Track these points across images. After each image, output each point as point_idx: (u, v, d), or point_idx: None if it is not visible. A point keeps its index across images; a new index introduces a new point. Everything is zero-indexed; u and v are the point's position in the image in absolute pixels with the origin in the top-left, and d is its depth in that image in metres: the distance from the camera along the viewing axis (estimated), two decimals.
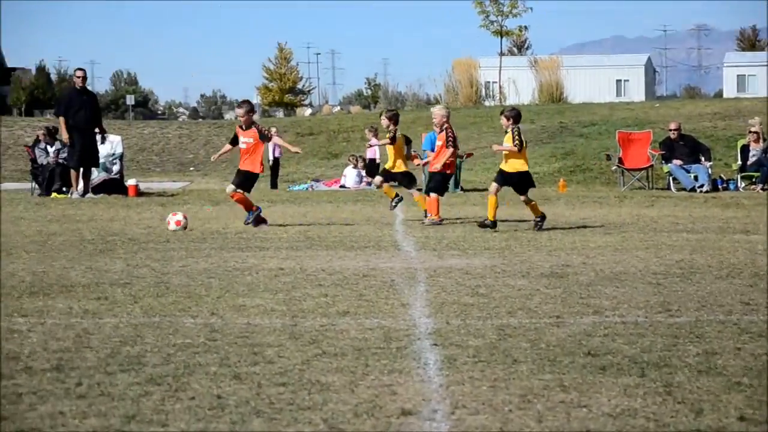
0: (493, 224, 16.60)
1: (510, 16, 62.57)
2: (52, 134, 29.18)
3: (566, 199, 24.79)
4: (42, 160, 28.81)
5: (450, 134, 18.47)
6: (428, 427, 5.42)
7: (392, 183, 18.99)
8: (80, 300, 9.45)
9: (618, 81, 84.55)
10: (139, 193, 27.87)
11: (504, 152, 16.89)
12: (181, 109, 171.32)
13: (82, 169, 26.40)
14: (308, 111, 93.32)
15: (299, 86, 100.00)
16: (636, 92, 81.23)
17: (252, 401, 5.87)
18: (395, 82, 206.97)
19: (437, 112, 18.92)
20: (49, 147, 28.86)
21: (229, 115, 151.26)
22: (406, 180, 18.84)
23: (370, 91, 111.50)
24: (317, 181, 34.72)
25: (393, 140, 18.51)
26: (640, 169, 29.83)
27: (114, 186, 28.05)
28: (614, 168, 30.38)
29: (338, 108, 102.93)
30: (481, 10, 62.55)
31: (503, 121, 17.01)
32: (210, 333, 7.86)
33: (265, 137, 17.44)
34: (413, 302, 9.43)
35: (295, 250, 13.78)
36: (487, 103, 61.06)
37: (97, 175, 27.67)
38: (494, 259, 12.78)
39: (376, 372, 6.59)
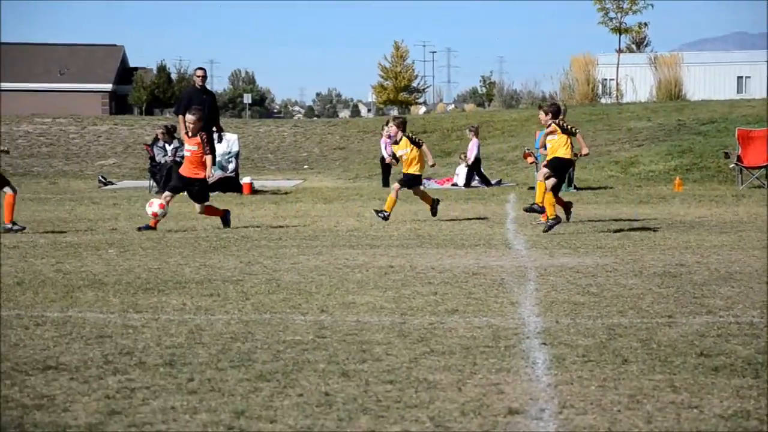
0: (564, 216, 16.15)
1: (630, 13, 61.78)
2: (170, 133, 29.71)
3: (682, 197, 24.41)
4: (160, 158, 29.33)
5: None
6: (535, 427, 5.38)
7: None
8: (193, 296, 9.59)
9: (739, 78, 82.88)
10: (254, 191, 28.22)
11: (552, 143, 16.21)
12: (296, 108, 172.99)
13: None
14: (422, 109, 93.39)
15: (414, 84, 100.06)
16: (758, 89, 79.46)
17: (359, 398, 5.89)
18: (510, 80, 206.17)
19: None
20: (167, 145, 29.38)
21: (343, 114, 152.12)
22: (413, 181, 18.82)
23: (484, 89, 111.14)
24: (429, 179, 34.70)
25: (418, 144, 18.64)
26: (760, 167, 29.24)
27: (229, 184, 28.45)
28: (732, 166, 29.83)
29: (452, 106, 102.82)
30: (601, 6, 61.83)
31: (541, 116, 16.55)
32: (319, 330, 7.92)
33: (206, 149, 16.89)
34: (523, 301, 9.38)
35: (406, 248, 13.81)
36: (603, 101, 60.40)
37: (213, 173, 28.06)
38: (606, 257, 12.64)
39: (484, 371, 6.56)
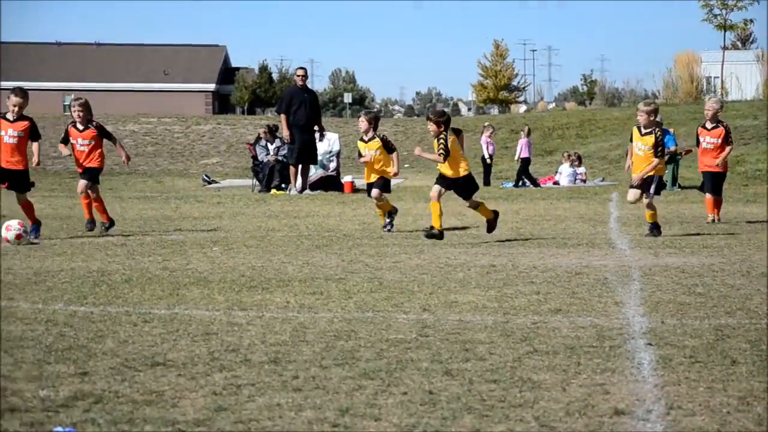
0: (440, 234, 14.51)
1: (734, 9, 60.79)
2: (272, 132, 29.98)
3: None
4: (262, 157, 29.60)
5: (729, 129, 17.88)
6: (642, 428, 5.32)
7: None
8: (297, 294, 9.66)
9: None
10: (355, 190, 28.34)
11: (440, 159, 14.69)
12: (396, 107, 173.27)
13: (300, 166, 27.03)
14: (522, 108, 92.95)
15: (514, 83, 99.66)
16: None
17: (463, 397, 5.88)
18: (612, 79, 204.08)
19: (710, 104, 18.16)
20: (269, 145, 29.64)
21: None
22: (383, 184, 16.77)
23: (585, 88, 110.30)
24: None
25: (391, 150, 16.64)
26: None
27: (331, 182, 28.62)
28: None
29: (553, 105, 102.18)
30: (705, 3, 60.91)
31: (432, 127, 14.77)
32: (422, 329, 7.92)
33: (108, 135, 15.69)
34: (627, 300, 9.27)
35: (508, 247, 13.75)
36: (707, 99, 59.58)
37: (314, 172, 28.27)
38: (713, 257, 12.45)
39: (589, 371, 6.51)
